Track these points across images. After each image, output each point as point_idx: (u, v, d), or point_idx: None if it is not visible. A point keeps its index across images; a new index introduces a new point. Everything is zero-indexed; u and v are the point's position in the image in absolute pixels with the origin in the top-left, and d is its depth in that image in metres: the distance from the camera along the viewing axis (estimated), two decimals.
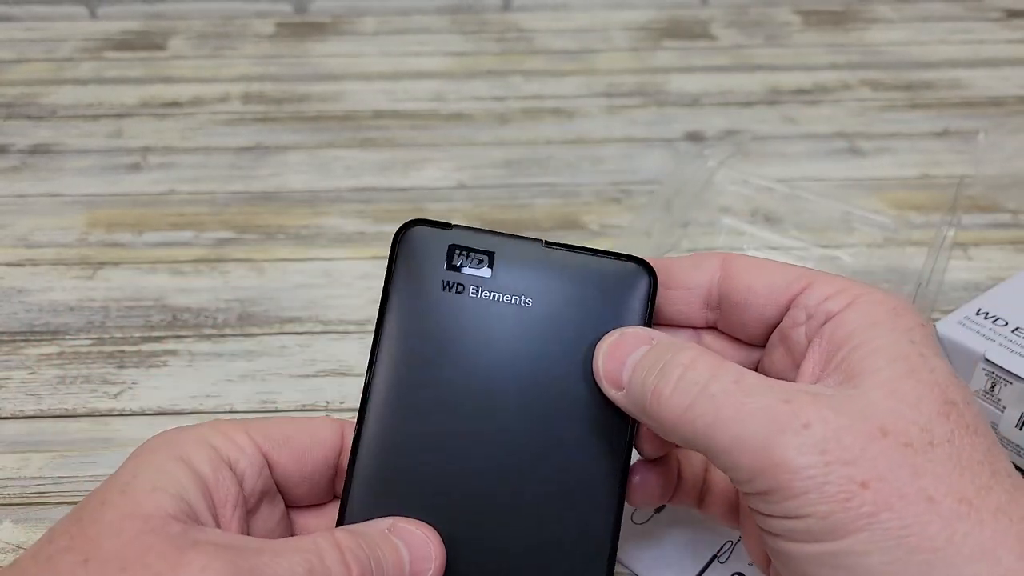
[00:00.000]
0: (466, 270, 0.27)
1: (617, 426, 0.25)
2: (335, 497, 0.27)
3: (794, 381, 0.23)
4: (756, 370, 0.26)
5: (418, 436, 0.26)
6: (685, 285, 0.26)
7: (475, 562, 0.25)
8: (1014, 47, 0.70)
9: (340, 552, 0.22)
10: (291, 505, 0.26)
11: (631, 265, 0.26)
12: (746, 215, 0.48)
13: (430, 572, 0.24)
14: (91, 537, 0.21)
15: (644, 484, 0.27)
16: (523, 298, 0.26)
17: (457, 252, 0.27)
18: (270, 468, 0.25)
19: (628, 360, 0.24)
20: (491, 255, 0.27)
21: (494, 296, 0.26)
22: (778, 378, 0.23)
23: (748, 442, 0.21)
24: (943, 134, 0.58)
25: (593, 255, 0.27)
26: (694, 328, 0.27)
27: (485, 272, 0.27)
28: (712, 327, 0.27)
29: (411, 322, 0.26)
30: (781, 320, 0.25)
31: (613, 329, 0.25)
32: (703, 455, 0.23)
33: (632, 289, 0.26)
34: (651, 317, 0.26)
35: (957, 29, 0.72)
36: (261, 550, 0.21)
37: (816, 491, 0.20)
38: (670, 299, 0.27)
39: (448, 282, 0.27)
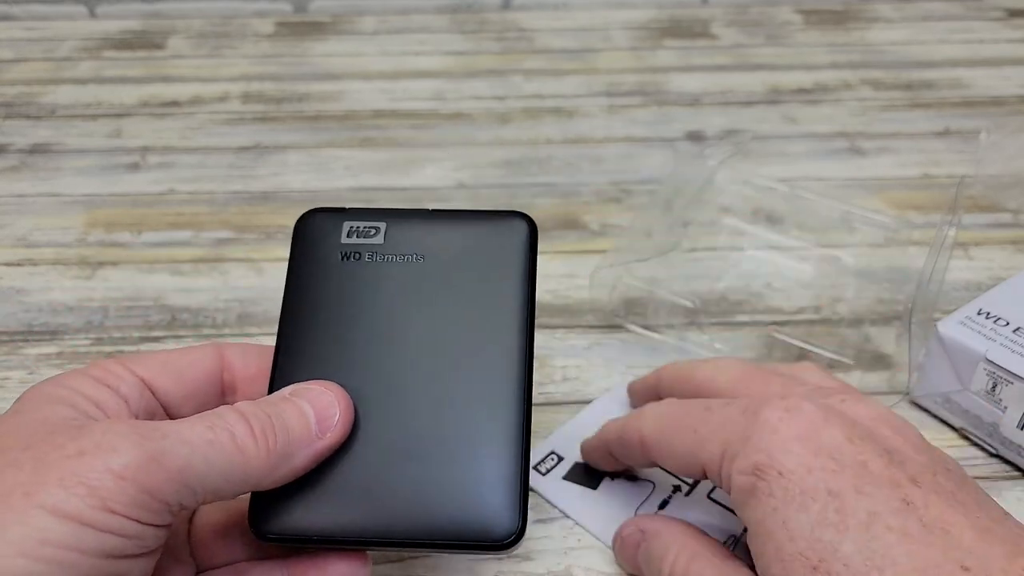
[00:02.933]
0: (361, 240, 0.30)
1: (510, 345, 0.28)
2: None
3: None
4: None
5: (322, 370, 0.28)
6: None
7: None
8: (1015, 46, 0.70)
9: (240, 414, 0.23)
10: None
11: (511, 218, 0.29)
12: (747, 215, 0.48)
13: (335, 418, 0.25)
14: None
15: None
16: (415, 256, 0.29)
17: (351, 227, 0.30)
18: (152, 392, 0.26)
19: (638, 557, 0.30)
20: (381, 226, 0.30)
21: (388, 258, 0.29)
22: None
23: None
24: (944, 134, 0.58)
25: (475, 214, 0.30)
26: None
27: (378, 240, 0.29)
28: None
29: (314, 287, 0.29)
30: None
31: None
32: None
33: (513, 237, 0.29)
34: (532, 263, 0.29)
35: (958, 28, 0.72)
36: (162, 423, 0.22)
37: None
38: None
39: (346, 252, 0.30)
